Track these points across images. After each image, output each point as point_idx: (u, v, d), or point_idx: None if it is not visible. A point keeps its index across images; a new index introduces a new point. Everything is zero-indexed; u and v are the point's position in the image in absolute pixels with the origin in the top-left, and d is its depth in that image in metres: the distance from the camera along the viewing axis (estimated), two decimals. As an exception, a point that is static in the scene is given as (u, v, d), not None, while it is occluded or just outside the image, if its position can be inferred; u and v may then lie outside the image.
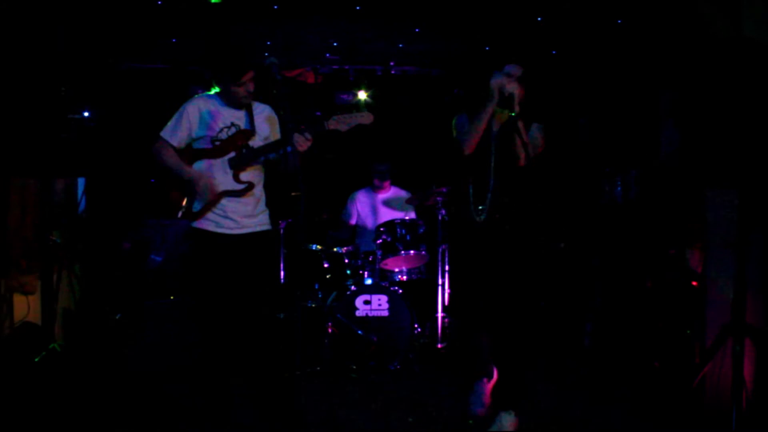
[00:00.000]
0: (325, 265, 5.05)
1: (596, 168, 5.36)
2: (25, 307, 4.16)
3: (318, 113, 6.44)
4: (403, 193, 5.72)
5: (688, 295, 4.09)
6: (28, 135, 3.99)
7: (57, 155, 4.05)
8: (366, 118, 3.39)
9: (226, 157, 3.43)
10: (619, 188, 5.08)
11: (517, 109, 3.32)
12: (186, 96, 3.68)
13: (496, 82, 3.37)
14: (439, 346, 5.02)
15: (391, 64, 6.48)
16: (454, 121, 3.66)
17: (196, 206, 3.41)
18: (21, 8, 4.13)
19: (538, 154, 3.49)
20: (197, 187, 3.37)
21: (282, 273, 5.24)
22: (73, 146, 4.16)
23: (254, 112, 3.51)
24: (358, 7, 4.94)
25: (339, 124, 3.39)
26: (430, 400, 4.08)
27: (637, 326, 4.50)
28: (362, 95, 6.56)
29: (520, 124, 3.33)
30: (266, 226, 3.55)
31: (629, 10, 4.83)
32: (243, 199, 3.44)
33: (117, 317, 4.30)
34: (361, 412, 3.87)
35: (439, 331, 5.06)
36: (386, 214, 5.57)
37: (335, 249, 5.11)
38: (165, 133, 3.44)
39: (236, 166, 3.43)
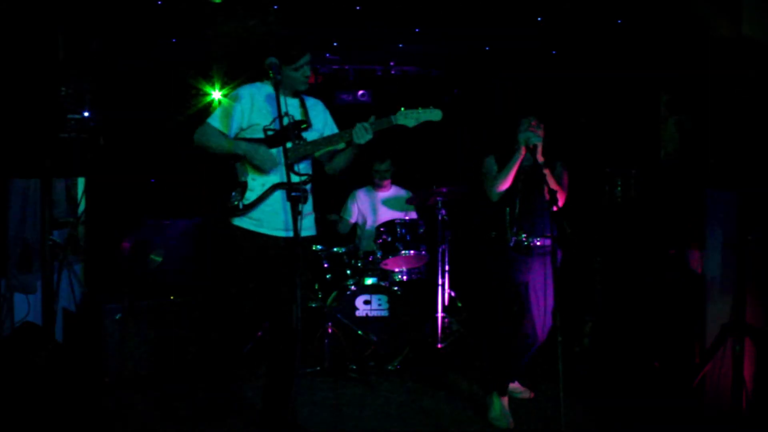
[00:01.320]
0: (325, 265, 5.04)
1: (596, 168, 5.36)
2: (25, 307, 4.16)
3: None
4: (403, 193, 5.72)
5: (688, 296, 4.09)
6: (28, 135, 3.99)
7: (57, 155, 4.05)
8: (434, 114, 3.25)
9: (281, 148, 3.17)
10: (619, 188, 5.08)
11: (540, 158, 3.65)
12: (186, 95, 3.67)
13: (523, 135, 3.70)
14: (439, 346, 5.02)
15: (391, 64, 6.48)
16: (484, 164, 3.89)
17: (250, 196, 3.19)
18: (21, 8, 4.12)
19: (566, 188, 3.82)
20: (256, 157, 3.14)
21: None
22: (73, 146, 4.16)
23: (306, 104, 3.36)
24: (358, 7, 4.94)
25: (407, 119, 3.23)
26: (429, 400, 4.08)
27: (637, 326, 4.50)
28: (362, 95, 6.57)
29: (546, 171, 3.62)
30: (311, 231, 3.37)
31: (629, 10, 4.83)
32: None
33: (117, 317, 4.30)
34: (361, 413, 3.88)
35: (439, 331, 5.05)
36: (386, 214, 5.57)
37: (335, 249, 5.11)
38: (213, 120, 3.25)
39: (292, 158, 3.17)
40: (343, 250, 5.11)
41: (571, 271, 4.38)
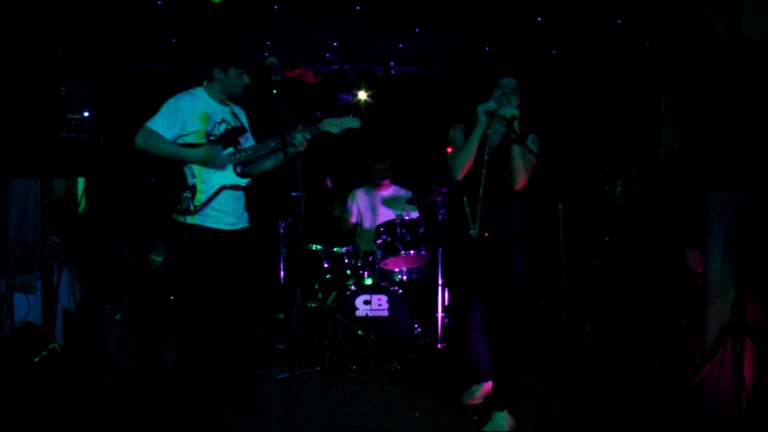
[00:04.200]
0: (325, 265, 5.04)
1: (596, 168, 5.36)
2: (25, 307, 4.16)
3: (318, 113, 6.48)
4: (403, 192, 5.72)
5: (688, 295, 4.09)
6: (28, 135, 3.99)
7: (57, 155, 4.05)
8: (354, 122, 3.63)
9: (225, 153, 3.48)
10: (619, 188, 5.08)
11: (517, 131, 3.32)
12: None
13: (482, 107, 3.42)
14: (439, 346, 5.02)
15: (391, 64, 6.48)
16: (450, 134, 3.71)
17: (201, 197, 3.41)
18: (21, 8, 4.12)
19: (534, 166, 3.53)
20: (208, 160, 3.39)
21: (282, 273, 5.24)
22: (73, 146, 4.16)
23: (234, 111, 3.66)
24: (358, 7, 4.94)
25: (331, 126, 3.59)
26: (429, 400, 4.08)
27: (637, 326, 4.50)
28: (362, 95, 6.57)
29: (519, 149, 3.38)
30: (248, 224, 3.65)
31: (629, 10, 4.83)
32: (238, 194, 3.55)
33: (117, 317, 4.30)
34: (361, 413, 3.88)
35: (439, 331, 5.06)
36: (386, 214, 5.57)
37: (335, 249, 5.11)
38: (155, 125, 3.41)
39: (238, 162, 3.51)
40: (343, 250, 5.11)
41: (571, 271, 4.38)
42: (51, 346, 3.84)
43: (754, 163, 3.63)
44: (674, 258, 4.33)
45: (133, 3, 4.83)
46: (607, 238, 4.89)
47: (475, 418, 3.68)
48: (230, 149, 3.49)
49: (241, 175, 3.52)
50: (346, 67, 6.49)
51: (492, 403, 3.63)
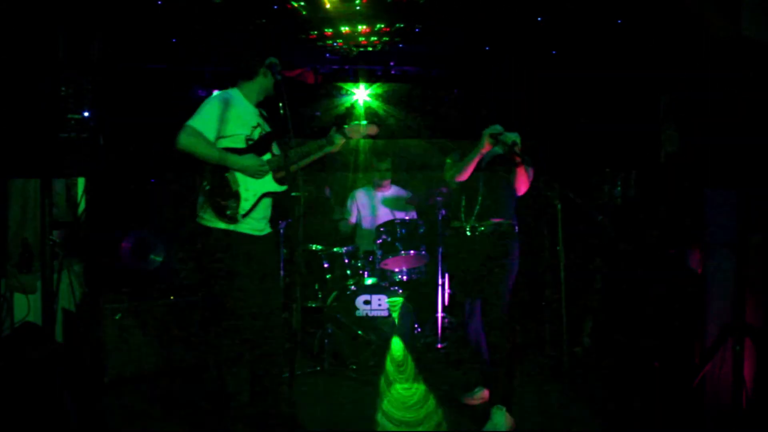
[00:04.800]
0: (325, 265, 5.04)
1: (596, 168, 5.36)
2: (25, 307, 4.16)
3: (317, 113, 6.47)
4: (404, 193, 5.72)
5: (688, 296, 4.08)
6: (28, 135, 3.99)
7: (57, 155, 4.05)
8: (372, 129, 3.58)
9: (263, 158, 3.36)
10: (619, 188, 5.08)
11: (518, 159, 3.56)
12: (187, 96, 3.67)
13: (488, 130, 3.61)
14: (439, 346, 5.02)
15: (391, 64, 6.48)
16: (447, 161, 3.94)
17: (245, 206, 3.29)
18: (21, 8, 4.13)
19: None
20: (252, 171, 3.28)
21: (282, 273, 5.24)
22: (73, 146, 4.16)
23: (265, 115, 3.50)
24: (357, 7, 4.94)
25: (353, 133, 3.53)
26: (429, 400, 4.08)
27: (637, 326, 4.50)
28: (362, 95, 6.57)
29: (520, 169, 3.60)
30: (271, 229, 3.54)
31: (629, 10, 4.83)
32: (273, 201, 3.45)
33: (117, 317, 4.30)
34: (361, 412, 3.88)
35: (439, 331, 5.06)
36: (386, 214, 5.57)
37: (335, 249, 5.10)
38: (197, 123, 3.21)
39: (279, 168, 3.39)
40: (343, 250, 5.11)
41: (571, 271, 4.38)
42: (51, 346, 3.85)
43: (753, 163, 3.63)
44: (674, 258, 4.33)
45: (132, 3, 4.83)
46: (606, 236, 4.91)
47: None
48: (268, 155, 3.38)
49: (279, 182, 3.41)
50: (346, 67, 6.48)
51: (491, 400, 3.65)
